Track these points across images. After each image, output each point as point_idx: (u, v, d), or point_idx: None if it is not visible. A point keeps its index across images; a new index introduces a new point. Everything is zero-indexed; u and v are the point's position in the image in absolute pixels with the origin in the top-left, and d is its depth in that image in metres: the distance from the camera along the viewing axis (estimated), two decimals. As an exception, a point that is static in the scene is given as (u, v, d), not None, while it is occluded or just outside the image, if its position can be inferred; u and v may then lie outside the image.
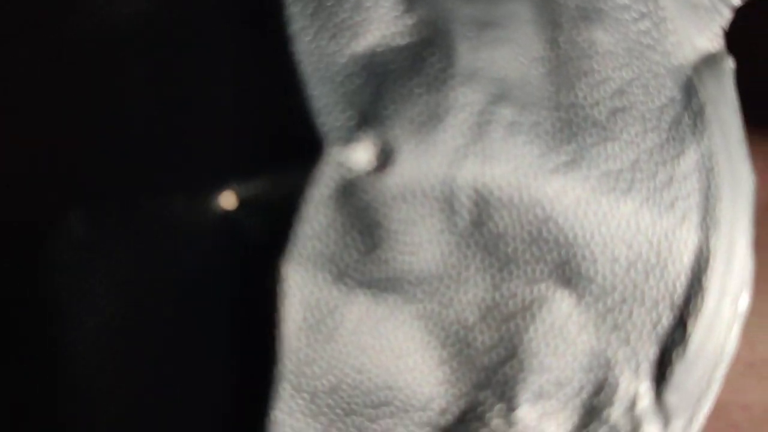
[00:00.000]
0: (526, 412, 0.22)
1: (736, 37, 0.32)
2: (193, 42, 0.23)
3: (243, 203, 0.22)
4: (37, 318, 0.23)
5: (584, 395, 0.22)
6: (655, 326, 0.22)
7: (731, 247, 0.22)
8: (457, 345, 0.22)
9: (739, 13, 0.32)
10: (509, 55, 0.22)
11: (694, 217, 0.22)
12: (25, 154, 0.23)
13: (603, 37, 0.22)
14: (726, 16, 0.23)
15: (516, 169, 0.22)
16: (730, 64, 0.23)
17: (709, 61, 0.23)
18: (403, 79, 0.22)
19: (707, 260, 0.23)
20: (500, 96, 0.22)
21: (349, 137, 0.21)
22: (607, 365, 0.23)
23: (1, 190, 0.23)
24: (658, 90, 0.23)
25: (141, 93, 0.23)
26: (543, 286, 0.22)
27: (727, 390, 0.31)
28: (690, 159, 0.23)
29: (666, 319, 0.23)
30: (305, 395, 0.22)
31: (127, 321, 0.23)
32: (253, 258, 0.22)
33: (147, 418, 0.23)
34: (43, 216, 0.23)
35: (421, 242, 0.22)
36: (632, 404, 0.23)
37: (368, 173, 0.22)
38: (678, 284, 0.23)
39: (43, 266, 0.23)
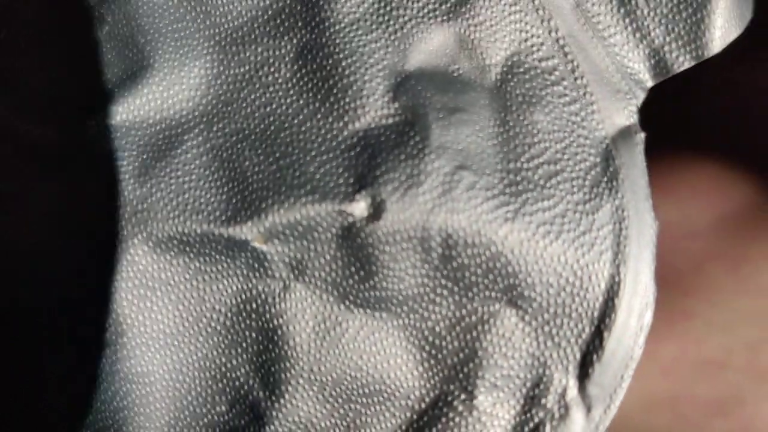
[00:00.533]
0: (482, 401, 0.25)
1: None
2: (243, 119, 0.26)
3: (270, 241, 0.25)
4: (115, 334, 0.26)
5: (527, 387, 0.25)
6: (579, 336, 0.25)
7: (636, 277, 0.25)
8: (430, 350, 0.25)
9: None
10: (470, 132, 0.25)
11: (609, 255, 0.25)
12: (103, 207, 0.26)
13: (542, 118, 0.25)
14: (641, 97, 0.26)
15: (475, 219, 0.25)
16: (641, 136, 0.26)
17: (624, 134, 0.26)
18: (390, 151, 0.25)
19: (618, 287, 0.25)
20: (463, 164, 0.25)
21: (349, 194, 0.25)
22: (544, 365, 0.25)
23: (84, 227, 0.26)
24: (583, 158, 0.26)
25: (200, 158, 0.26)
26: (496, 305, 0.25)
27: (677, 385, 0.30)
28: (606, 212, 0.25)
29: (587, 331, 0.25)
30: (315, 387, 0.25)
31: (176, 330, 0.26)
32: (276, 283, 0.26)
33: (181, 414, 0.26)
34: (116, 252, 0.26)
35: (403, 273, 0.25)
36: (563, 394, 0.25)
37: (363, 220, 0.25)
38: (596, 305, 0.25)
39: (119, 290, 0.26)
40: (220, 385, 0.25)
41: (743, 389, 0.30)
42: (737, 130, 0.31)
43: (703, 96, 0.31)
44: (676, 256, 0.30)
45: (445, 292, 0.25)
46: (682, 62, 0.26)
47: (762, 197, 0.31)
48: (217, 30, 0.26)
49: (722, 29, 0.25)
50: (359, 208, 0.25)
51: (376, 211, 0.25)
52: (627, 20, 0.25)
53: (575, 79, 0.25)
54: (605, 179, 0.25)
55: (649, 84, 0.26)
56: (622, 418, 0.29)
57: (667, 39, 0.26)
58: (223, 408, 0.25)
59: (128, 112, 0.25)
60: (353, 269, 0.25)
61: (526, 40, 0.25)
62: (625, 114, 0.26)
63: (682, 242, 0.30)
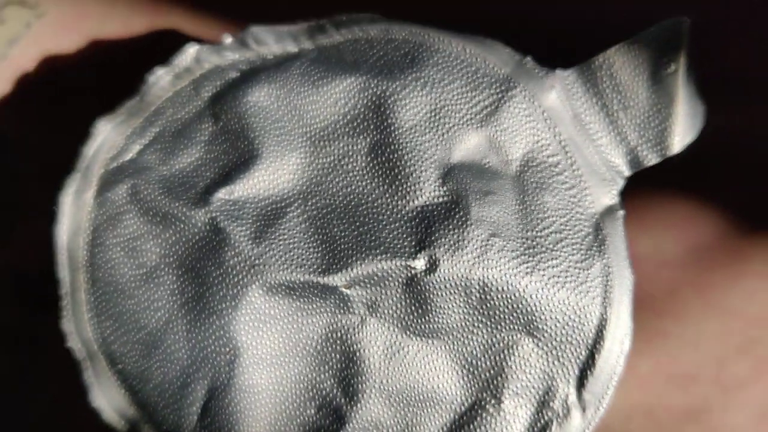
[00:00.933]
0: (508, 404, 0.30)
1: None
2: (339, 198, 0.30)
3: (353, 287, 0.30)
4: (233, 356, 0.30)
5: (540, 394, 0.30)
6: (578, 357, 0.30)
7: (618, 315, 0.30)
8: (469, 367, 0.30)
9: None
10: (499, 209, 0.30)
11: (599, 299, 0.30)
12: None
13: (550, 199, 0.30)
14: (621, 184, 0.30)
15: (504, 272, 0.30)
16: (621, 212, 0.30)
17: (609, 210, 0.30)
18: (441, 222, 0.30)
19: (605, 322, 0.30)
20: (494, 233, 0.29)
21: (412, 253, 0.30)
22: (552, 378, 0.30)
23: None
24: (580, 229, 0.30)
25: (299, 225, 0.30)
26: (517, 335, 0.30)
27: (653, 396, 0.31)
28: (597, 268, 0.30)
29: (584, 353, 0.30)
30: (383, 395, 0.30)
31: (280, 352, 0.30)
32: (356, 317, 0.30)
33: (279, 416, 0.30)
34: (238, 294, 0.30)
35: (450, 311, 0.30)
36: (566, 399, 0.30)
37: (422, 272, 0.30)
38: (590, 335, 0.30)
39: (238, 322, 0.30)
40: (310, 393, 0.30)
41: (711, 399, 0.31)
42: (705, 173, 0.33)
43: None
44: (651, 283, 0.32)
45: (481, 325, 0.30)
46: (651, 159, 0.30)
47: (725, 231, 0.32)
48: (308, 129, 0.31)
49: (680, 136, 0.30)
50: (420, 263, 0.29)
51: (432, 265, 0.30)
52: (611, 128, 0.30)
53: (573, 170, 0.30)
54: (596, 244, 0.30)
55: (627, 174, 0.30)
56: (606, 426, 0.32)
57: (640, 142, 0.30)
58: (312, 411, 0.30)
59: (243, 190, 0.30)
60: (413, 308, 0.30)
61: (537, 142, 0.30)
62: (609, 196, 0.30)
63: (657, 271, 0.32)
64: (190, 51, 0.32)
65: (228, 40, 0.31)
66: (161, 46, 0.35)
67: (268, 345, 0.30)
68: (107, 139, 0.32)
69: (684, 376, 0.31)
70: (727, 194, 0.33)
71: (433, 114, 0.30)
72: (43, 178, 0.34)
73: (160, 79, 0.31)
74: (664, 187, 0.33)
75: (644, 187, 0.33)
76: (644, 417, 0.32)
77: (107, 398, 0.31)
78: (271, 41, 0.31)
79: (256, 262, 0.30)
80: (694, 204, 0.33)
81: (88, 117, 0.35)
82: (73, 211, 0.32)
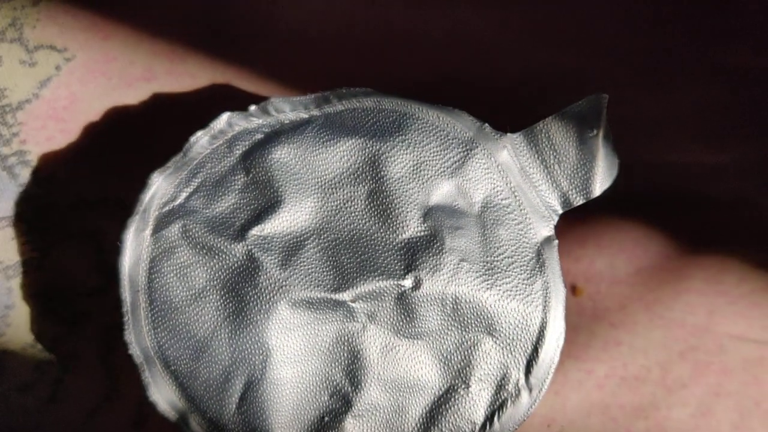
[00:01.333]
0: (474, 388, 0.34)
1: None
2: (345, 235, 0.35)
3: (357, 301, 0.35)
4: (265, 356, 0.34)
5: (497, 380, 0.34)
6: (525, 351, 0.34)
7: (555, 320, 0.35)
8: (444, 361, 0.34)
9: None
10: (466, 240, 0.34)
11: (540, 307, 0.34)
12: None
13: (503, 232, 0.35)
14: (556, 219, 0.35)
15: (470, 288, 0.34)
16: (556, 242, 0.35)
17: (547, 240, 0.35)
18: (423, 251, 0.35)
19: (545, 324, 0.34)
20: (463, 258, 0.34)
21: (402, 275, 0.35)
22: (507, 367, 0.34)
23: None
24: (526, 254, 0.35)
25: (315, 254, 0.34)
26: (481, 335, 0.34)
27: (608, 395, 0.34)
28: (539, 284, 0.35)
29: (530, 348, 0.34)
30: (380, 384, 0.34)
31: (302, 352, 0.35)
32: (359, 324, 0.35)
33: (300, 402, 0.34)
34: (269, 308, 0.35)
35: (431, 318, 0.34)
36: (517, 383, 0.34)
37: (410, 289, 0.35)
38: (534, 334, 0.34)
39: (269, 330, 0.34)
40: (324, 384, 0.34)
41: (658, 398, 0.33)
42: (653, 205, 0.35)
43: (631, 176, 0.35)
44: (606, 298, 0.34)
45: (453, 328, 0.34)
46: (578, 200, 0.35)
47: (669, 254, 0.34)
48: (320, 179, 0.35)
49: (599, 183, 0.35)
50: (407, 282, 0.34)
51: (417, 284, 0.35)
52: (548, 177, 0.35)
53: (521, 210, 0.35)
54: (538, 266, 0.35)
55: (560, 212, 0.35)
56: (568, 421, 0.34)
57: (570, 188, 0.35)
58: (326, 397, 0.34)
59: (271, 228, 0.35)
60: (403, 316, 0.34)
61: (494, 188, 0.35)
62: (548, 229, 0.35)
63: (611, 288, 0.34)
64: (224, 117, 0.37)
65: (253, 108, 0.36)
66: (180, 89, 0.37)
67: (292, 347, 0.34)
68: (160, 187, 0.36)
69: (635, 378, 0.33)
70: (671, 223, 0.35)
71: (415, 168, 0.35)
72: (73, 208, 0.37)
73: (200, 140, 0.36)
74: (618, 216, 0.35)
75: (601, 216, 0.36)
76: (601, 413, 0.33)
77: (161, 394, 0.35)
78: (287, 109, 0.36)
79: (283, 283, 0.35)
80: (644, 231, 0.35)
81: (113, 152, 0.38)
82: (134, 246, 0.36)
